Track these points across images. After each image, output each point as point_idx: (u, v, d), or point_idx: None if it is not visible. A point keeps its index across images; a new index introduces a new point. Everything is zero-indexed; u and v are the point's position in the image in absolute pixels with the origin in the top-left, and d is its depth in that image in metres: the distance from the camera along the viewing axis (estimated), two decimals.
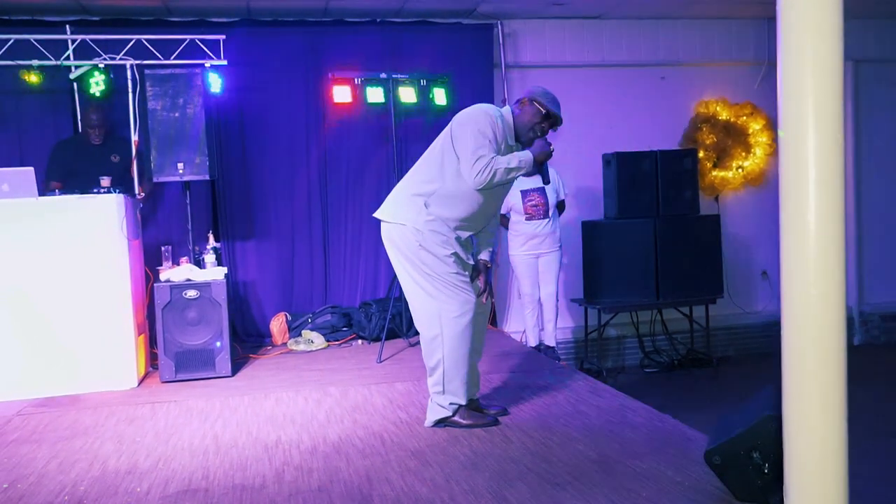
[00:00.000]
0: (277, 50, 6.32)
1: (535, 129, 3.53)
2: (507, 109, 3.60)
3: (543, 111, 3.51)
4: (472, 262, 3.66)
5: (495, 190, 3.54)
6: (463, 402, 3.59)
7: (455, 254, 3.52)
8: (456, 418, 3.60)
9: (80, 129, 5.82)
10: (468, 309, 3.49)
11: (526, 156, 3.46)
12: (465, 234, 3.58)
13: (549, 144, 3.53)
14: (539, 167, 3.56)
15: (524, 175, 5.63)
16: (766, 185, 7.38)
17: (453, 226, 3.51)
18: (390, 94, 6.00)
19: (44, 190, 4.97)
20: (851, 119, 7.52)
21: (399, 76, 6.05)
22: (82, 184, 4.97)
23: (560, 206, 5.95)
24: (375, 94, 6.04)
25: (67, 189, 4.95)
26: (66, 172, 5.38)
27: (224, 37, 5.54)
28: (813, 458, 1.86)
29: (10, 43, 5.27)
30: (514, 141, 3.57)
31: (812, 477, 1.87)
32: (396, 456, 3.28)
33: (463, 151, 3.41)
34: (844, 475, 1.85)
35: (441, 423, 3.62)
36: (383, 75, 6.02)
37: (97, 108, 5.50)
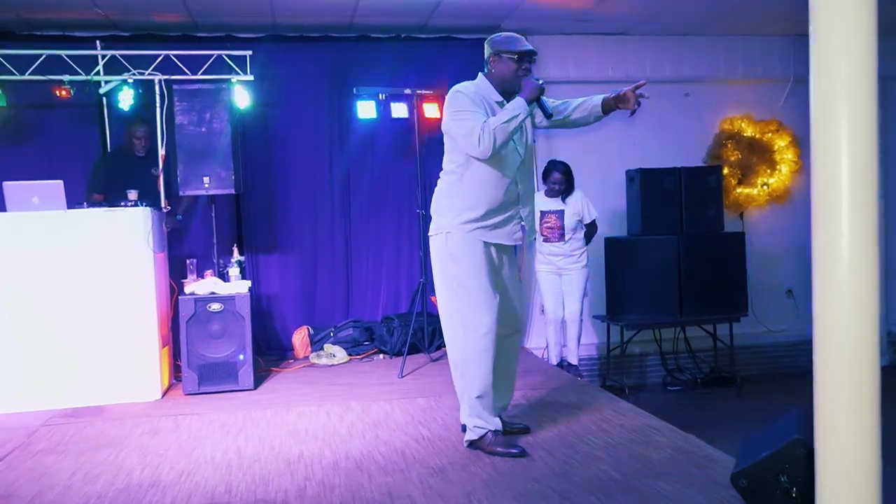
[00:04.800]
0: (302, 65, 6.38)
1: (519, 74, 3.45)
2: (479, 78, 3.56)
3: (515, 55, 3.45)
4: (508, 266, 3.63)
5: (508, 161, 3.46)
6: (490, 428, 3.49)
7: (488, 255, 3.47)
8: (482, 444, 3.50)
9: (107, 143, 5.92)
10: (487, 330, 3.41)
11: (515, 103, 3.36)
12: (498, 218, 3.48)
13: (538, 79, 3.44)
14: (538, 105, 3.48)
15: (547, 195, 5.67)
16: (792, 203, 7.30)
17: (482, 213, 3.43)
18: (414, 109, 6.01)
19: (86, 201, 5.09)
20: (879, 137, 7.43)
21: (423, 91, 6.07)
22: (123, 196, 5.02)
23: (590, 229, 5.87)
24: (399, 110, 6.05)
25: (109, 200, 5.05)
26: (106, 184, 5.47)
27: (250, 52, 5.60)
28: (846, 484, 1.83)
29: (42, 58, 5.36)
30: (501, 98, 3.49)
31: (845, 502, 1.84)
32: (418, 473, 3.27)
33: (458, 138, 3.38)
34: (878, 501, 1.82)
35: (472, 445, 3.56)
36: (407, 91, 6.03)
37: (144, 121, 5.57)
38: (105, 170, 5.64)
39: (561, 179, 5.70)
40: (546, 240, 5.72)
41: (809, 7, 1.92)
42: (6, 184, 4.78)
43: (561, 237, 5.71)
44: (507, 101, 3.46)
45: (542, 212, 5.66)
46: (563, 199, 5.74)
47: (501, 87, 3.50)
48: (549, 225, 5.70)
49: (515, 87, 3.45)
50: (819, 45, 1.92)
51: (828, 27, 1.90)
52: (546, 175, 5.75)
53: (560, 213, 5.70)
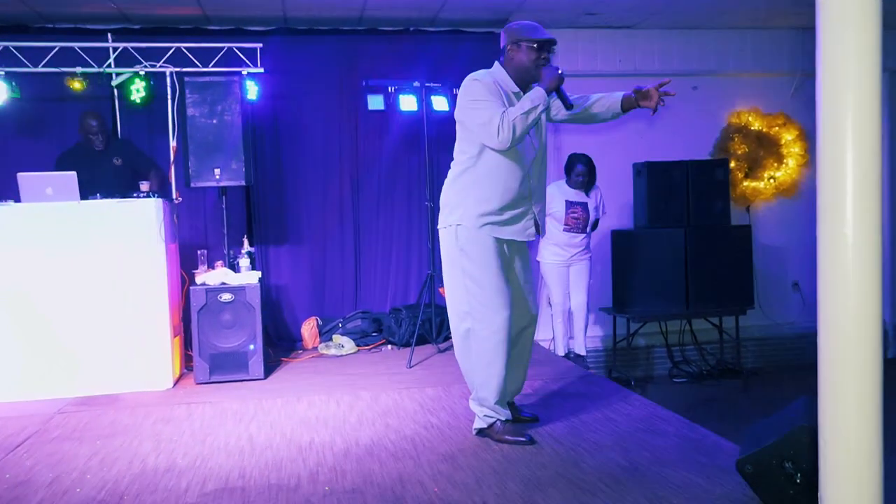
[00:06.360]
0: (313, 58, 6.44)
1: (539, 63, 3.36)
2: (495, 66, 3.46)
3: (535, 44, 3.35)
4: (521, 264, 3.60)
5: (523, 154, 3.39)
6: (500, 418, 3.51)
7: (499, 251, 3.41)
8: (491, 432, 3.54)
9: (118, 134, 5.97)
10: (499, 328, 3.38)
11: (535, 93, 3.29)
12: (511, 214, 3.41)
13: (557, 69, 3.34)
14: (559, 95, 3.39)
15: (571, 187, 5.72)
16: (799, 196, 7.34)
17: (496, 208, 3.37)
18: (423, 102, 6.05)
19: None
20: (887, 131, 7.45)
21: (432, 85, 6.11)
22: (90, 190, 4.97)
23: (594, 224, 5.99)
24: (408, 103, 6.08)
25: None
26: None
27: (261, 45, 5.64)
28: (849, 470, 1.88)
29: (55, 51, 5.42)
30: (518, 88, 3.41)
31: (847, 488, 1.88)
32: (428, 459, 3.32)
33: (474, 128, 3.31)
34: (880, 487, 1.86)
35: (480, 433, 3.61)
36: (416, 84, 6.06)
37: (95, 115, 5.55)
38: (67, 168, 5.36)
39: (585, 171, 5.79)
40: (569, 229, 5.79)
41: (815, 0, 1.96)
42: (20, 175, 4.83)
43: (583, 229, 5.80)
44: (524, 92, 3.39)
45: (568, 202, 5.76)
46: (587, 193, 5.82)
47: (519, 76, 3.42)
48: (575, 216, 5.78)
49: (535, 76, 3.38)
50: (825, 37, 1.96)
51: (833, 20, 1.94)
52: (570, 168, 5.83)
53: (584, 206, 5.79)
